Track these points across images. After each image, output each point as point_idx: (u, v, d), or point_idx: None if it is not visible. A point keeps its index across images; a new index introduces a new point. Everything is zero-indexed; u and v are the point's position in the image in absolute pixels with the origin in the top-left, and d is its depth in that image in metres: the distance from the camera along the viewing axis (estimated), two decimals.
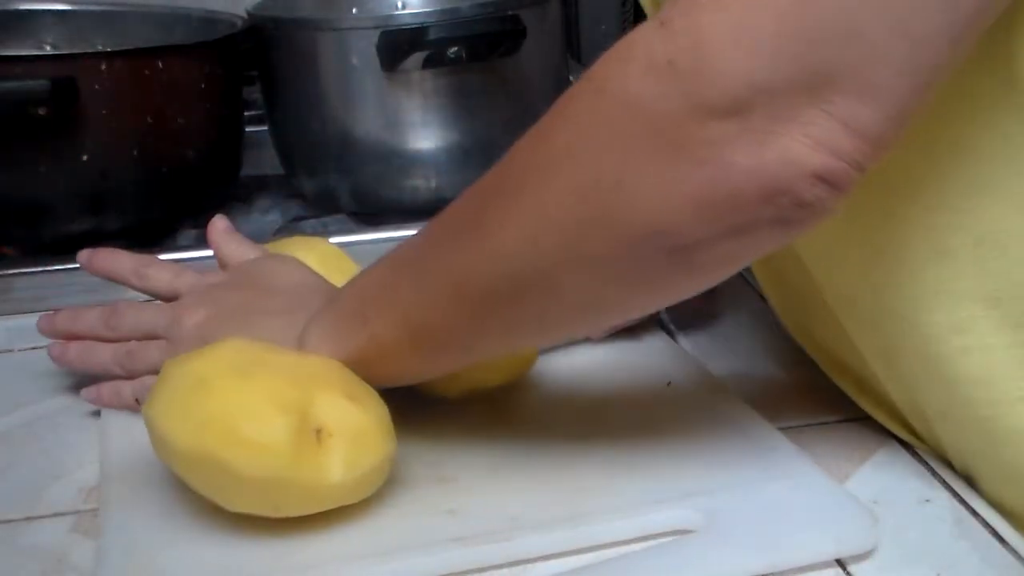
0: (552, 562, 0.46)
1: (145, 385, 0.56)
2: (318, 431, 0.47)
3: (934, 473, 0.52)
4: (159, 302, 0.61)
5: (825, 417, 0.57)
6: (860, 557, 0.46)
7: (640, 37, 0.40)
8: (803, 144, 0.38)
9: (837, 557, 0.46)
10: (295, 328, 0.53)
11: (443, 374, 0.54)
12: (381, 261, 0.51)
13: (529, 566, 0.46)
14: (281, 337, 0.52)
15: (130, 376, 0.59)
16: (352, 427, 0.48)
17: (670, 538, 0.47)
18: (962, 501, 0.50)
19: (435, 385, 0.56)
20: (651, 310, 0.57)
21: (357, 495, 0.48)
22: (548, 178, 0.43)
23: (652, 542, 0.47)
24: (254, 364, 0.48)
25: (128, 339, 0.60)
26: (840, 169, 0.38)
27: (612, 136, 0.40)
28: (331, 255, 0.65)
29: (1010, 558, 0.46)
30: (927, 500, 0.50)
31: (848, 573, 0.45)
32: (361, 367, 0.51)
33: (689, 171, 0.39)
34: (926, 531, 0.48)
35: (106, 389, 0.59)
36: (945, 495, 0.50)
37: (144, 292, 0.62)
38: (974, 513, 0.49)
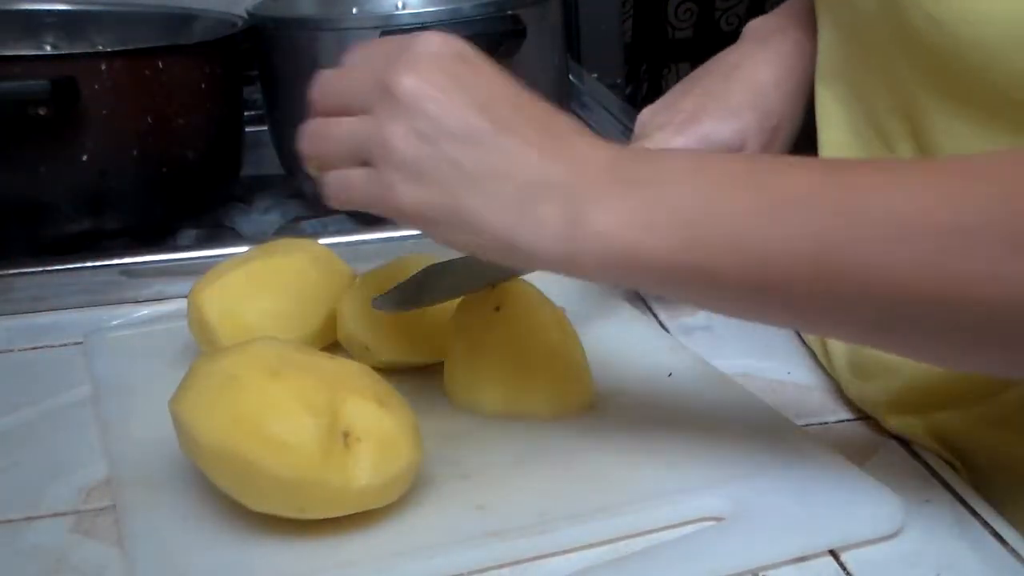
0: (584, 552, 0.47)
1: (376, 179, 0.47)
2: (346, 434, 0.47)
3: (934, 473, 0.52)
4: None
5: (825, 417, 0.57)
6: (861, 557, 0.46)
7: None
8: None
9: (867, 539, 0.47)
10: (550, 172, 0.45)
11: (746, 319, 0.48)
12: (718, 171, 0.45)
13: (562, 557, 0.47)
14: (523, 172, 0.45)
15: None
16: (381, 432, 0.48)
17: (699, 526, 0.48)
18: (962, 501, 0.50)
19: (480, 403, 0.57)
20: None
21: (382, 500, 0.48)
22: None
23: (682, 530, 0.48)
24: (285, 364, 0.48)
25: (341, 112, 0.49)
26: None
27: None
28: (323, 257, 0.65)
29: (1010, 558, 0.46)
30: (927, 500, 0.50)
31: (848, 573, 0.45)
32: (661, 280, 0.44)
33: None
34: (926, 531, 0.48)
35: (335, 180, 0.49)
36: (945, 495, 0.50)
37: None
38: (974, 513, 0.49)
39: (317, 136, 0.49)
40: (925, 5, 0.47)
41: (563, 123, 0.47)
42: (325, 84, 0.50)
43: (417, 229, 0.47)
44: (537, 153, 0.45)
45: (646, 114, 0.65)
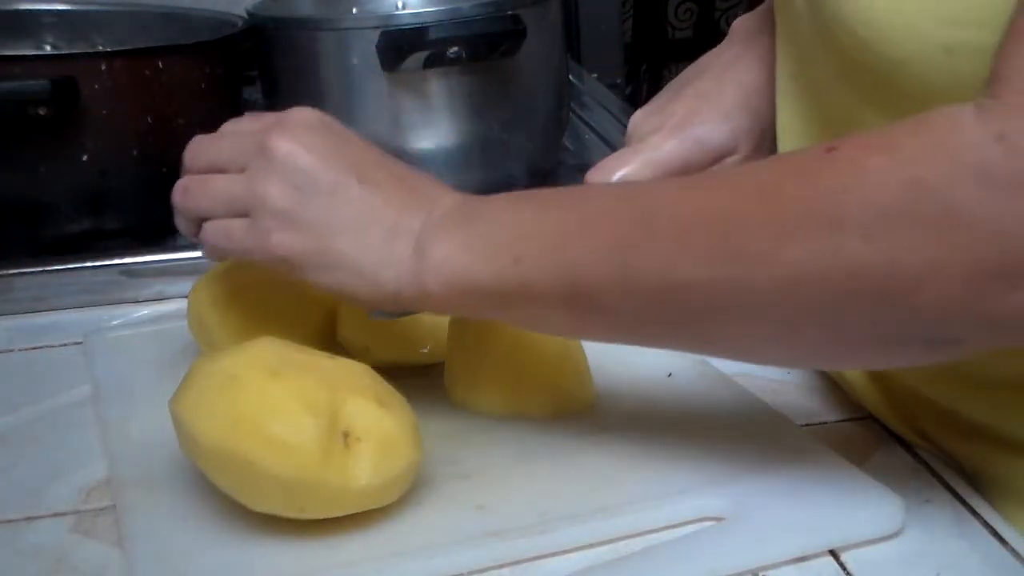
0: (584, 552, 0.47)
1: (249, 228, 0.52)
2: (346, 435, 0.47)
3: (934, 473, 0.52)
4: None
5: (825, 417, 0.57)
6: (861, 557, 0.46)
7: (968, 142, 0.38)
8: None
9: (867, 539, 0.47)
10: (407, 217, 0.50)
11: (574, 339, 0.52)
12: (538, 200, 0.50)
13: (562, 557, 0.47)
14: (385, 219, 0.50)
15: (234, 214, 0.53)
16: (380, 432, 0.48)
17: (699, 526, 0.48)
18: (962, 501, 0.50)
19: (479, 403, 0.57)
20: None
21: (382, 500, 0.48)
22: (831, 244, 0.40)
23: (682, 530, 0.48)
24: (285, 364, 0.48)
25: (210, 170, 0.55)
26: None
27: (924, 237, 0.38)
28: None
29: (1010, 558, 0.46)
30: (927, 500, 0.50)
31: (848, 573, 0.45)
32: (492, 301, 0.48)
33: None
34: (926, 531, 0.48)
35: (213, 230, 0.54)
36: (945, 495, 0.50)
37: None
38: (974, 513, 0.49)
39: (193, 191, 0.55)
40: (835, 8, 0.47)
41: (419, 179, 0.52)
42: (198, 146, 0.56)
43: (291, 273, 0.51)
44: (396, 203, 0.50)
45: (638, 116, 0.65)
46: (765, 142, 0.63)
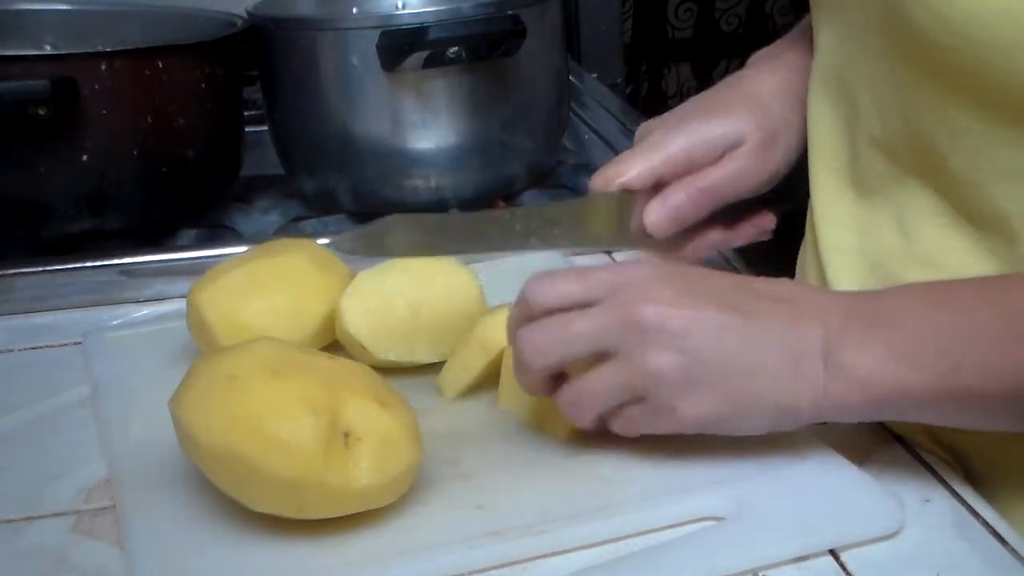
0: (585, 552, 0.47)
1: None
2: (347, 434, 0.47)
3: (934, 473, 0.52)
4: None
5: None
6: (861, 557, 0.46)
7: None
8: None
9: (867, 538, 0.47)
10: (804, 337, 0.48)
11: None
12: (949, 299, 0.48)
13: (562, 557, 0.47)
14: (783, 347, 0.48)
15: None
16: (381, 432, 0.48)
17: (700, 526, 0.48)
18: (962, 501, 0.50)
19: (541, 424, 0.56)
20: None
21: (382, 500, 0.48)
22: None
23: (682, 530, 0.48)
24: (286, 364, 0.48)
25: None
26: None
27: None
28: (322, 257, 0.65)
29: (1010, 558, 0.46)
30: (927, 500, 0.50)
31: (848, 573, 0.45)
32: (924, 407, 0.47)
33: None
34: (926, 531, 0.48)
35: (619, 424, 0.51)
36: (945, 495, 0.50)
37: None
38: (974, 513, 0.49)
39: (578, 402, 0.51)
40: (934, 5, 0.46)
41: (788, 288, 0.50)
42: (551, 335, 0.50)
43: (705, 431, 0.50)
44: (784, 326, 0.48)
45: (644, 123, 0.66)
46: (775, 144, 0.63)
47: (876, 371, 0.47)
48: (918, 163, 0.54)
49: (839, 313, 0.48)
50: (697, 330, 0.48)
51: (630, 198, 0.62)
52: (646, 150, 0.62)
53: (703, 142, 0.61)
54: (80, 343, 0.68)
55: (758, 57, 0.69)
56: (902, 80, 0.52)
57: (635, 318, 0.48)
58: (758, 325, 0.48)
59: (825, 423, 0.51)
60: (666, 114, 0.65)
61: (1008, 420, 0.48)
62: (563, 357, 0.50)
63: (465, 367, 0.59)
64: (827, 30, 0.59)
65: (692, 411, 0.48)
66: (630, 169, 0.61)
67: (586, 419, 0.51)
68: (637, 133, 0.65)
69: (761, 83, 0.64)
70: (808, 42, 0.64)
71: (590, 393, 0.50)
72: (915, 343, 0.47)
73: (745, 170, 0.62)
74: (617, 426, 0.51)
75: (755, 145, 0.62)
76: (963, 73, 0.47)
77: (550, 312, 0.50)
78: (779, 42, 0.70)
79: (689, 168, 0.61)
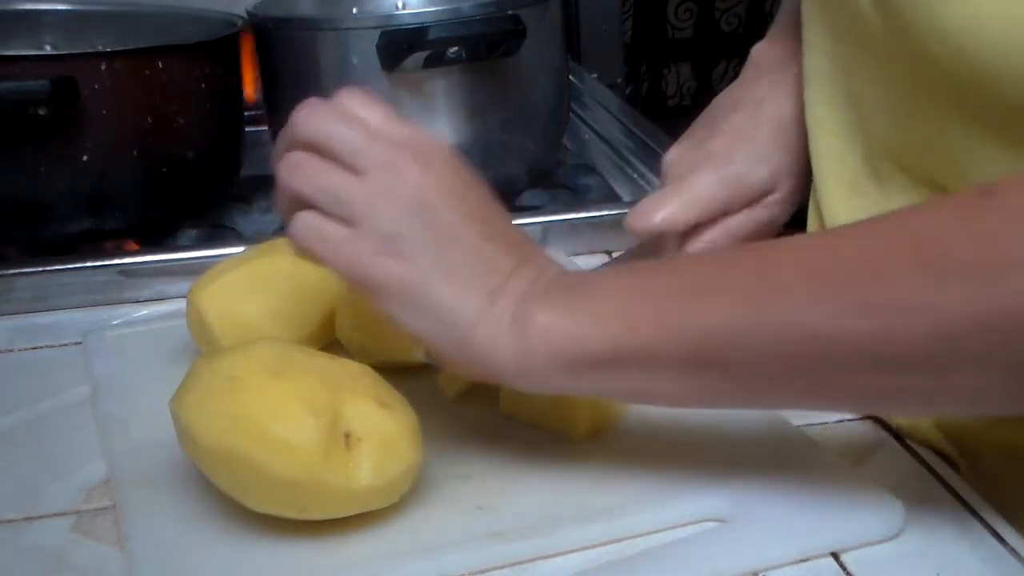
0: (585, 553, 0.47)
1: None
2: (347, 435, 0.47)
3: (934, 473, 0.52)
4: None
5: (825, 417, 0.57)
6: (862, 558, 0.46)
7: None
8: None
9: (868, 540, 0.47)
10: (513, 280, 0.48)
11: (685, 407, 0.50)
12: (643, 270, 0.49)
13: (563, 558, 0.47)
14: (492, 277, 0.48)
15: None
16: (381, 433, 0.48)
17: (701, 527, 0.48)
18: (962, 501, 0.50)
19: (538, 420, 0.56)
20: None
21: (382, 500, 0.48)
22: (994, 289, 0.39)
23: (683, 532, 0.48)
24: (286, 364, 0.48)
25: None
26: None
27: None
28: None
29: (1010, 558, 0.46)
30: (927, 500, 0.50)
31: (849, 574, 0.45)
32: (602, 370, 0.46)
33: None
34: (926, 531, 0.48)
35: (308, 228, 0.49)
36: (945, 495, 0.50)
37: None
38: (974, 513, 0.49)
39: (301, 173, 0.49)
40: (928, 15, 0.46)
41: (532, 246, 0.51)
42: (316, 117, 0.50)
43: (376, 301, 0.48)
44: (506, 263, 0.48)
45: (674, 153, 0.64)
46: (804, 180, 0.63)
47: (553, 328, 0.46)
48: (924, 172, 0.54)
49: (550, 276, 0.48)
50: (439, 213, 0.47)
51: None
52: (682, 191, 0.61)
53: (742, 189, 0.62)
54: (80, 343, 0.68)
55: (767, 56, 0.67)
56: (904, 91, 0.52)
57: (400, 166, 0.48)
58: (486, 249, 0.48)
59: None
60: (692, 138, 0.64)
61: (685, 388, 0.46)
62: (308, 200, 0.49)
63: None
64: (819, 33, 0.59)
65: (381, 270, 0.47)
66: (668, 206, 0.61)
67: (294, 193, 0.49)
68: (664, 164, 0.65)
69: (781, 108, 0.63)
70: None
71: (313, 175, 0.49)
72: (593, 302, 0.46)
73: (776, 218, 0.63)
74: (304, 230, 0.48)
75: (787, 192, 0.63)
76: (958, 81, 0.47)
77: (313, 146, 0.49)
78: (786, 32, 0.68)
79: (725, 212, 0.62)
